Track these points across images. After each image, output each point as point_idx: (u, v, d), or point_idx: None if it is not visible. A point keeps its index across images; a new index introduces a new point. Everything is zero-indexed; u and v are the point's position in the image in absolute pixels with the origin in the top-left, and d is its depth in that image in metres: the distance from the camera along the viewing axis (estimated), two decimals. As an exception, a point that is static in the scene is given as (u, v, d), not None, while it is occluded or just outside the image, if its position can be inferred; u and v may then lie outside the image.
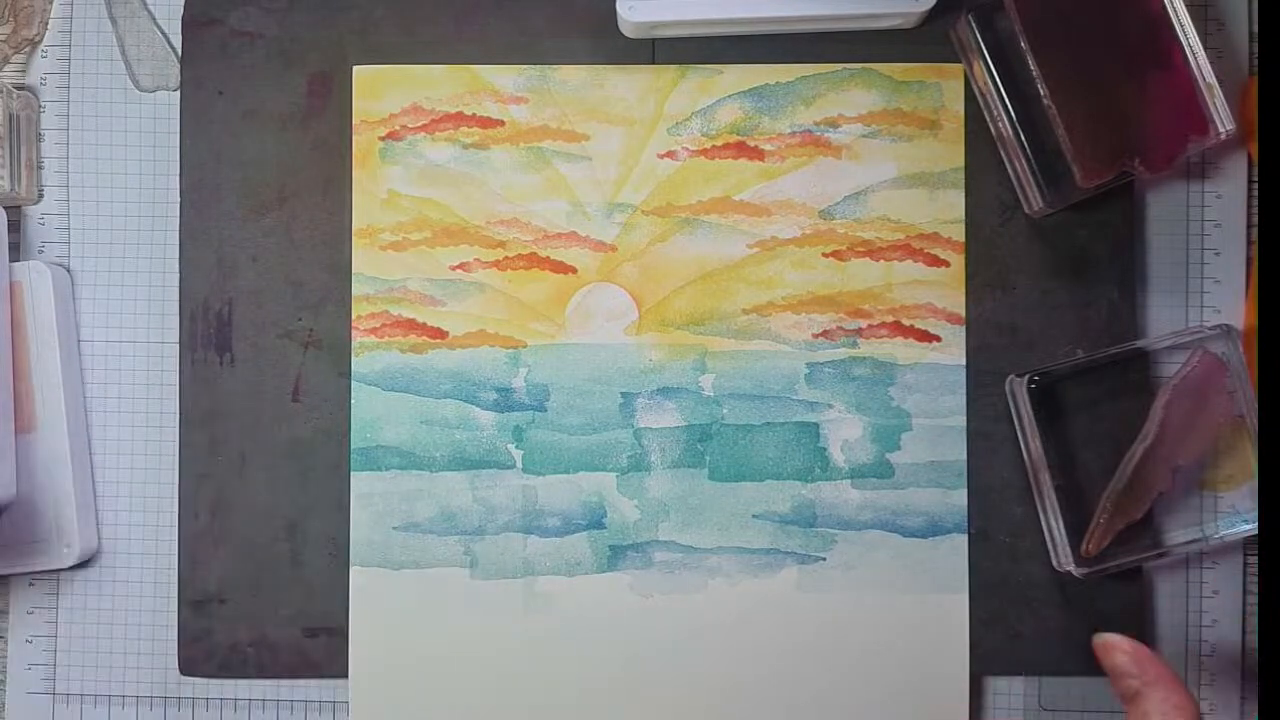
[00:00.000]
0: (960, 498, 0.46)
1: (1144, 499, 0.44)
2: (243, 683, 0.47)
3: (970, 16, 0.44)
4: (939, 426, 0.46)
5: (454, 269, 0.46)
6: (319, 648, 0.46)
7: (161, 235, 0.48)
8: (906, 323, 0.46)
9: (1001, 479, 0.46)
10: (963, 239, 0.46)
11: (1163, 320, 0.47)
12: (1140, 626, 0.46)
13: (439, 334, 0.46)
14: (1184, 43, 0.43)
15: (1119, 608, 0.46)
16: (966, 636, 0.45)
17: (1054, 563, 0.45)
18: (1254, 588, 0.47)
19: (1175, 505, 0.46)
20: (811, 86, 0.46)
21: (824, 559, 0.46)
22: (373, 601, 0.46)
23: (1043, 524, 0.45)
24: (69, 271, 0.48)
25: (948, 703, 0.45)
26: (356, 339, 0.46)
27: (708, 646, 0.46)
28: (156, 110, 0.48)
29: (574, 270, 0.46)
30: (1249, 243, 0.47)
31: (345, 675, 0.46)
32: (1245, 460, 0.46)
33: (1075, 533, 0.44)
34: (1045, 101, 0.43)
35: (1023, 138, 0.44)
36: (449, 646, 0.46)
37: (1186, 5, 0.43)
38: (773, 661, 0.45)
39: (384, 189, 0.46)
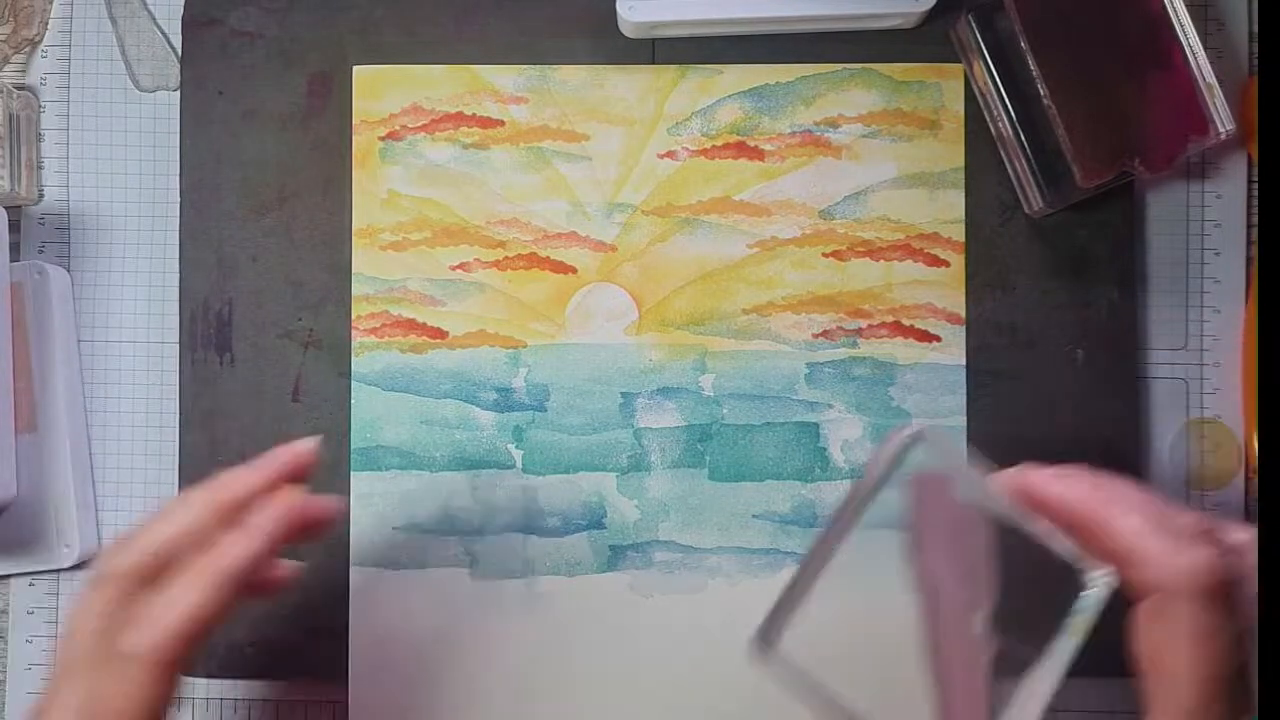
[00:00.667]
0: (960, 498, 0.46)
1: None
2: (242, 683, 0.47)
3: (970, 16, 0.44)
4: (939, 426, 0.46)
5: (454, 269, 0.46)
6: (319, 648, 0.46)
7: (161, 235, 0.48)
8: (906, 323, 0.46)
9: (1001, 479, 0.46)
10: (963, 239, 0.46)
11: (1163, 320, 0.47)
12: (1140, 626, 0.46)
13: (439, 334, 0.46)
14: (1184, 43, 0.43)
15: (1119, 608, 0.46)
16: (966, 636, 0.45)
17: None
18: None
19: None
20: (811, 86, 0.46)
21: (824, 559, 0.46)
22: (373, 601, 0.46)
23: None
24: (69, 272, 0.48)
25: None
26: (356, 339, 0.46)
27: (708, 646, 0.46)
28: (156, 110, 0.48)
29: (574, 270, 0.46)
30: (1249, 243, 0.47)
31: (345, 675, 0.46)
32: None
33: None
34: (1045, 101, 0.43)
35: (1023, 138, 0.44)
36: (449, 646, 0.46)
37: (1186, 5, 0.43)
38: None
39: (384, 189, 0.46)
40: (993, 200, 0.46)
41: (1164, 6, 0.43)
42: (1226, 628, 0.29)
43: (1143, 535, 0.31)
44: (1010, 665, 0.34)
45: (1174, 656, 0.30)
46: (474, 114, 0.47)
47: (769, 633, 0.34)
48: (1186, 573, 0.30)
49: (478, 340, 0.46)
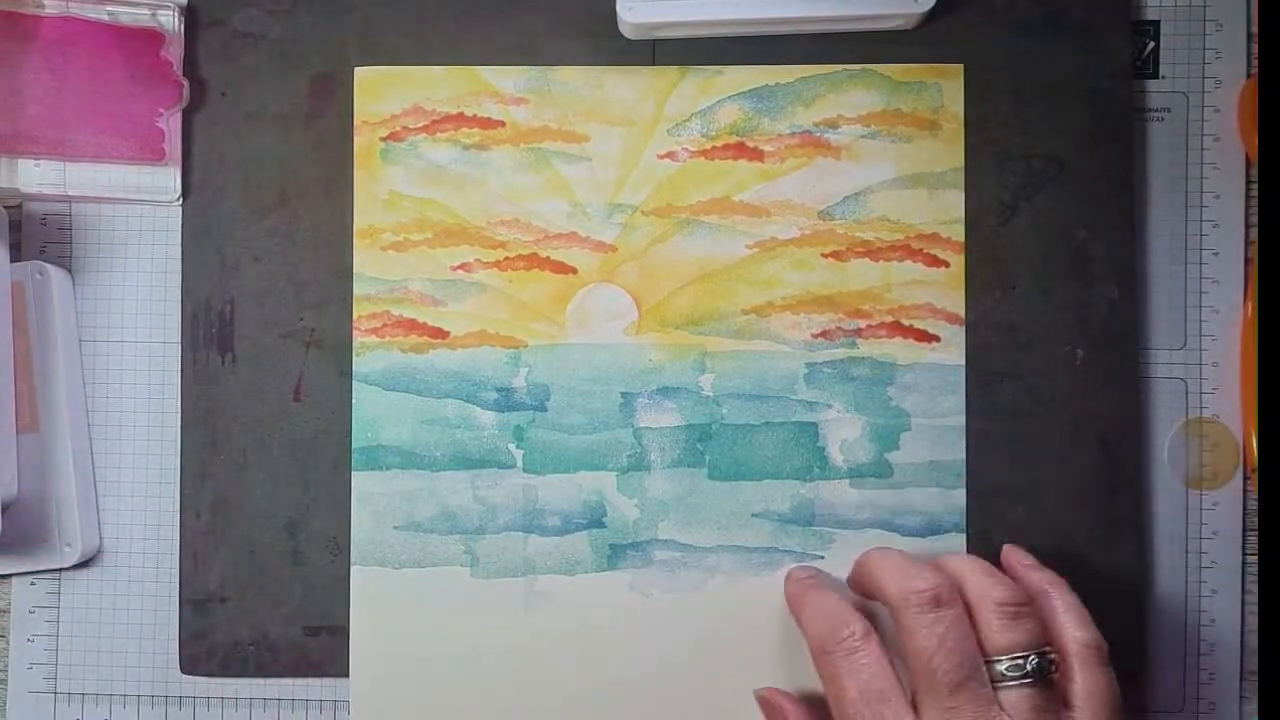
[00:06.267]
0: (959, 497, 0.46)
1: None
2: (244, 681, 0.47)
3: None
4: (938, 426, 0.46)
5: (455, 269, 0.47)
6: (320, 646, 0.46)
7: (163, 235, 0.48)
8: (906, 323, 0.46)
9: (1000, 479, 0.46)
10: (962, 239, 0.46)
11: (1162, 320, 0.47)
12: (1140, 625, 0.46)
13: (440, 334, 0.46)
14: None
15: (1118, 608, 0.46)
16: (966, 636, 0.45)
17: None
18: (1254, 588, 0.47)
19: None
20: (811, 87, 0.47)
21: (822, 558, 0.46)
22: (374, 600, 0.46)
23: None
24: (70, 272, 0.48)
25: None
26: (358, 339, 0.46)
27: (707, 645, 0.46)
28: (158, 111, 0.48)
29: (574, 271, 0.47)
30: (1248, 243, 0.47)
31: (346, 674, 0.46)
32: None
33: None
34: None
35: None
36: (449, 645, 0.46)
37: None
38: (772, 659, 0.45)
39: (385, 190, 0.47)
40: (993, 200, 0.46)
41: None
42: (938, 623, 0.38)
43: (886, 573, 0.41)
44: None
45: (909, 646, 0.39)
46: (475, 115, 0.47)
47: None
48: (900, 593, 0.39)
49: (478, 340, 0.46)
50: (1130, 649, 0.46)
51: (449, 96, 0.47)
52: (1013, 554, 0.44)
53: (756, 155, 0.47)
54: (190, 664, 0.46)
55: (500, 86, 0.47)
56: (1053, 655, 0.39)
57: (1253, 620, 0.47)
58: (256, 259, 0.47)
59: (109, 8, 0.46)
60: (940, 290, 0.46)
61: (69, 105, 0.46)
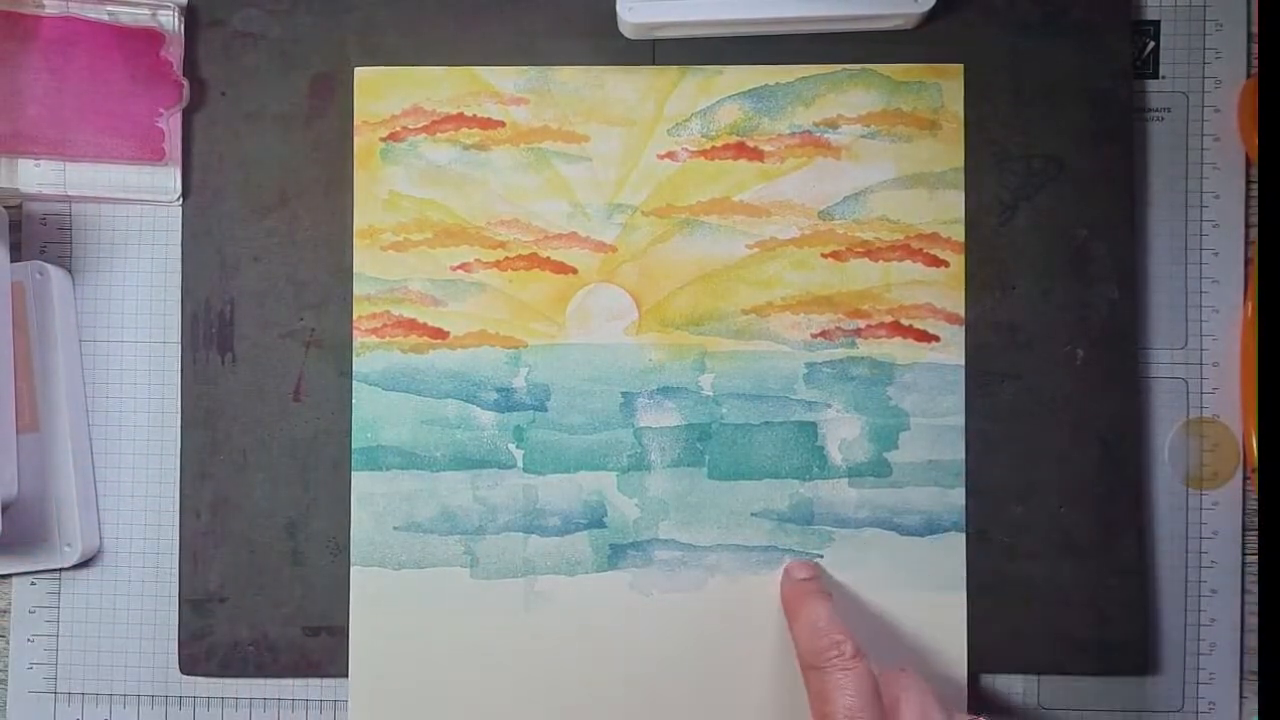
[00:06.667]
0: (958, 497, 0.46)
1: None
2: (243, 681, 0.47)
3: None
4: (937, 426, 0.46)
5: (455, 269, 0.47)
6: (319, 647, 0.46)
7: (163, 235, 0.48)
8: (905, 323, 0.46)
9: (1000, 478, 0.46)
10: (962, 239, 0.46)
11: (1163, 320, 0.47)
12: (1141, 626, 0.46)
13: (440, 334, 0.46)
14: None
15: (1119, 607, 0.46)
16: (965, 635, 0.45)
17: None
18: (1254, 588, 0.47)
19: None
20: (811, 87, 0.47)
21: (822, 556, 0.46)
22: (373, 601, 0.46)
23: None
24: (70, 272, 0.48)
25: (946, 700, 0.45)
26: (358, 339, 0.46)
27: (707, 644, 0.46)
28: (159, 111, 0.48)
29: (574, 271, 0.47)
30: (1248, 243, 0.47)
31: (345, 674, 0.46)
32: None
33: None
34: None
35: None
36: (449, 645, 0.46)
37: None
38: (772, 658, 0.46)
39: (385, 190, 0.47)
40: (992, 200, 0.46)
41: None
42: (835, 689, 0.40)
43: (798, 629, 0.43)
44: None
45: (815, 703, 0.41)
46: (475, 115, 0.47)
47: None
48: (806, 654, 0.42)
49: (478, 340, 0.46)
50: (1130, 649, 0.46)
51: (449, 97, 0.47)
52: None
53: (756, 155, 0.47)
54: (190, 664, 0.46)
55: (500, 86, 0.47)
56: None
57: (1253, 620, 0.47)
58: (256, 259, 0.47)
59: (109, 8, 0.46)
60: (940, 290, 0.46)
61: (69, 105, 0.46)
